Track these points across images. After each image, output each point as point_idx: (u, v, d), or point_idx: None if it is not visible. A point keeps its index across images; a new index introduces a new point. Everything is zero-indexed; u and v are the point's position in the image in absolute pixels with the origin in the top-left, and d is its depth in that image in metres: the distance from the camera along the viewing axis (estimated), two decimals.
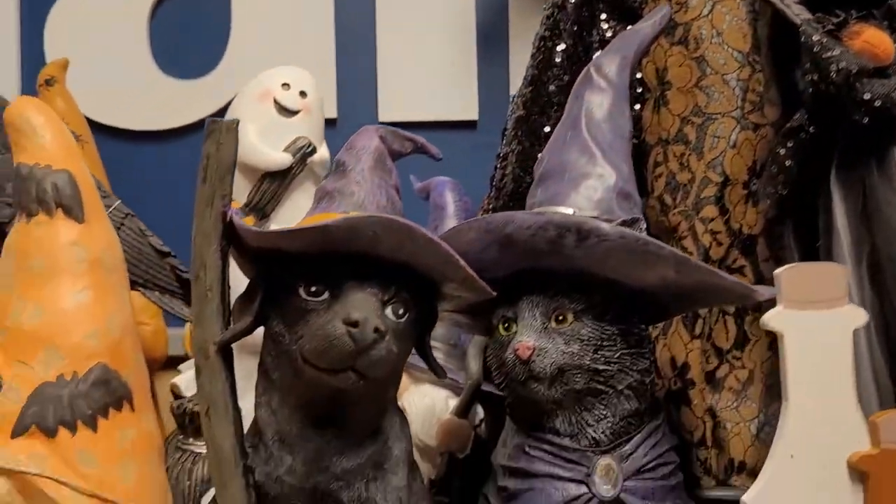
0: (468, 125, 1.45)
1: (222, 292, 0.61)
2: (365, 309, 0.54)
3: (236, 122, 0.61)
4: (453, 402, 0.89)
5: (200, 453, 0.80)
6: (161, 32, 1.47)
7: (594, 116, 0.71)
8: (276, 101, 0.85)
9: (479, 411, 0.90)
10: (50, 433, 0.58)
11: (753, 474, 0.76)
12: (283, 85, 0.86)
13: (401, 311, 0.57)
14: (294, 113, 0.86)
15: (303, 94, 0.87)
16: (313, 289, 0.56)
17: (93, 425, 0.59)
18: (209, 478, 0.81)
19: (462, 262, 0.56)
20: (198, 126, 1.46)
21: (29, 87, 1.41)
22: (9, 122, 0.67)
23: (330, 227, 0.54)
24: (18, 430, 0.58)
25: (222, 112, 1.45)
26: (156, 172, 1.44)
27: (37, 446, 0.57)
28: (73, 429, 0.59)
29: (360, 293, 0.55)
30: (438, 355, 0.91)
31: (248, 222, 1.02)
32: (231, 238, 0.60)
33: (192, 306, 0.60)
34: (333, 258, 0.56)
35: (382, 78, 1.45)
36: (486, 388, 0.86)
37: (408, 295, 0.58)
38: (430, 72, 1.45)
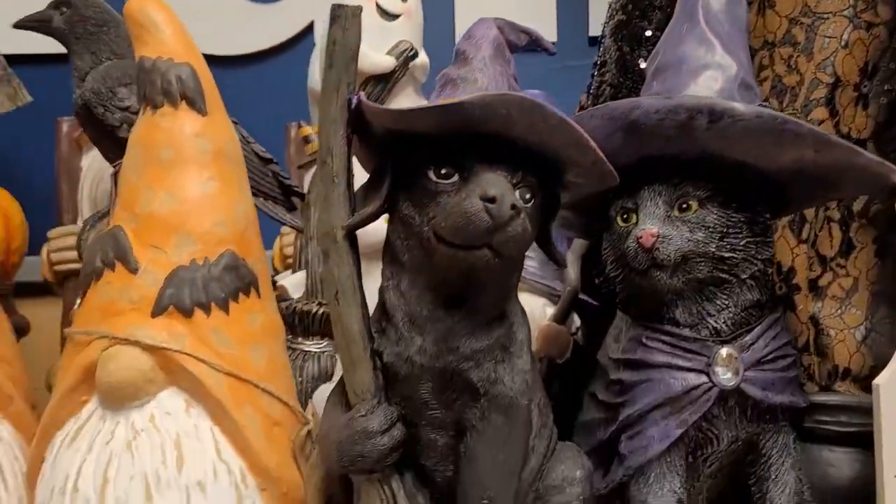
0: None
1: (348, 178, 0.61)
2: (501, 186, 0.54)
3: (360, 8, 0.61)
4: (550, 309, 0.90)
5: (310, 351, 0.82)
6: None
7: (711, 8, 0.69)
8: (377, 5, 0.84)
9: (576, 319, 0.90)
10: (187, 313, 0.60)
11: (858, 380, 0.76)
12: None
13: (528, 196, 0.57)
14: (395, 17, 0.85)
15: None
16: (443, 171, 0.56)
17: (225, 308, 0.61)
18: (319, 374, 0.83)
19: (593, 144, 0.56)
20: (277, 49, 1.46)
21: None
22: (129, 16, 0.68)
23: (465, 105, 0.53)
24: (157, 311, 0.59)
25: (300, 36, 1.47)
26: (237, 96, 1.44)
27: (175, 326, 0.59)
28: (207, 310, 0.60)
29: (491, 174, 0.55)
30: (533, 264, 0.92)
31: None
32: (356, 125, 0.61)
33: (318, 191, 0.61)
34: (462, 140, 0.56)
35: (460, 6, 1.43)
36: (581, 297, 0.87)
37: (534, 180, 0.58)
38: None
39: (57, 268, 1.02)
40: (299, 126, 1.06)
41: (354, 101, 0.61)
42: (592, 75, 0.94)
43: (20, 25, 0.87)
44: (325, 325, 0.84)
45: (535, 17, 1.42)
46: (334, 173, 0.61)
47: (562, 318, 0.87)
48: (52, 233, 1.04)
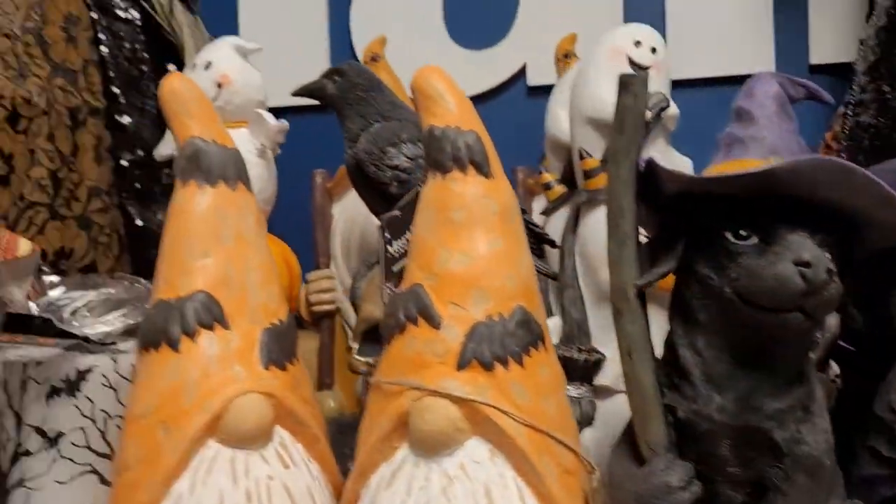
0: None
1: (637, 238, 0.64)
2: (813, 250, 0.54)
3: (647, 75, 0.63)
4: None
5: (572, 397, 0.85)
6: (454, 3, 1.54)
7: None
8: (629, 59, 0.87)
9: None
10: (488, 367, 0.64)
11: None
12: (636, 43, 0.88)
13: (827, 255, 0.57)
14: (646, 69, 0.87)
15: (653, 50, 0.88)
16: (742, 232, 0.58)
17: (520, 361, 0.65)
18: (582, 419, 0.86)
19: None
20: (487, 95, 1.52)
21: (337, 60, 1.54)
22: (416, 87, 0.74)
23: (776, 171, 0.55)
24: (462, 364, 0.64)
25: (512, 80, 1.52)
26: None
27: (478, 379, 0.63)
28: (505, 364, 0.64)
29: (796, 236, 0.56)
30: None
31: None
32: (643, 187, 0.63)
33: (611, 251, 0.64)
34: (762, 202, 0.57)
35: (673, 34, 1.43)
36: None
37: (831, 238, 0.58)
38: (722, 25, 1.41)
39: (314, 308, 1.11)
40: (540, 172, 1.10)
41: (643, 164, 0.63)
42: (845, 114, 0.92)
43: (298, 94, 0.96)
44: (586, 371, 0.87)
45: (753, 45, 1.39)
46: (625, 234, 0.63)
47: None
48: (310, 276, 1.13)
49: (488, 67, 1.51)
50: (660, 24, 1.44)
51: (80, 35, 1.19)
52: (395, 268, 0.85)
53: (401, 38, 1.49)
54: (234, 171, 0.76)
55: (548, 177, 1.05)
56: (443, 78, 0.74)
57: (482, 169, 0.70)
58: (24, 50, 1.11)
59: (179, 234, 0.75)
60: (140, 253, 1.23)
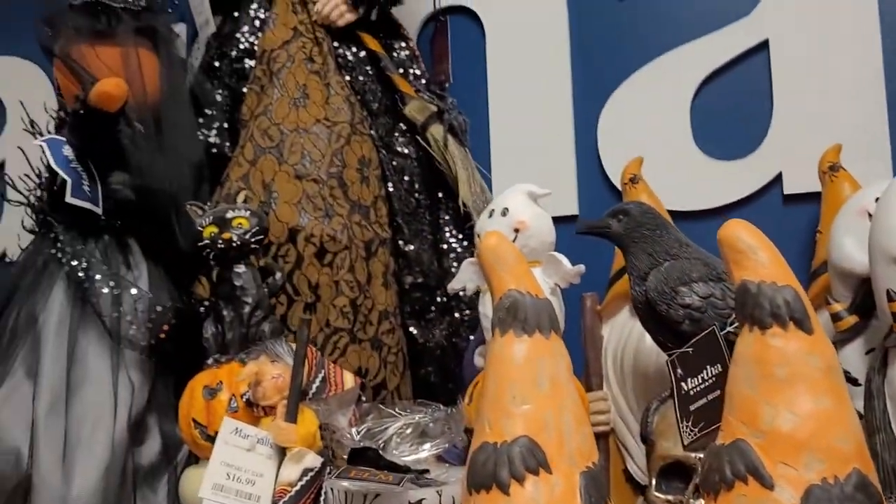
0: None
1: None
2: None
3: None
4: None
5: None
6: (702, 114, 1.56)
7: None
8: (869, 215, 0.87)
9: None
10: None
11: None
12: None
13: None
14: None
15: None
16: None
17: None
18: None
19: None
20: (740, 204, 1.51)
21: (585, 177, 1.61)
22: (724, 241, 0.77)
23: None
24: None
25: (767, 188, 1.50)
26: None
27: None
28: None
29: None
30: None
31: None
32: None
33: None
34: None
35: None
36: None
37: None
38: None
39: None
40: (827, 302, 1.08)
41: None
42: None
43: (583, 231, 1.02)
44: None
45: None
46: None
47: None
48: (587, 396, 1.17)
49: (742, 177, 1.51)
50: None
51: (371, 174, 1.33)
52: (693, 407, 0.87)
53: (648, 152, 1.53)
54: (547, 321, 0.82)
55: (837, 307, 1.03)
56: (751, 231, 0.77)
57: (803, 325, 0.71)
58: (329, 192, 1.26)
59: (500, 380, 0.81)
60: (420, 369, 1.33)
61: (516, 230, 1.04)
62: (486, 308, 1.04)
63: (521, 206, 1.06)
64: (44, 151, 1.07)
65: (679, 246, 0.97)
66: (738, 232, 0.77)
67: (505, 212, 1.06)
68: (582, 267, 1.03)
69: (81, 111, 1.05)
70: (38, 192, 1.17)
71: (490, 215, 1.08)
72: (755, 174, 1.50)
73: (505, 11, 1.69)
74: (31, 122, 1.71)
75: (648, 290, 0.95)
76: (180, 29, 1.85)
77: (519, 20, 1.68)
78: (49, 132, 1.69)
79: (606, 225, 1.01)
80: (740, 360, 0.74)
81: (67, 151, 1.09)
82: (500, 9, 1.70)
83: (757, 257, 0.76)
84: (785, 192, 1.48)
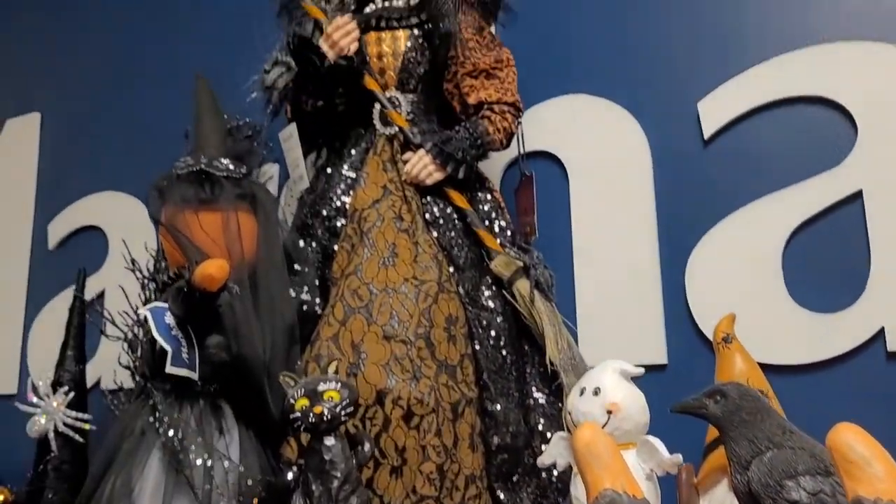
0: None
1: None
2: None
3: None
4: None
5: None
6: (796, 264, 1.52)
7: None
8: None
9: None
10: None
11: None
12: None
13: None
14: None
15: None
16: None
17: None
18: None
19: None
20: (839, 360, 1.45)
21: (673, 325, 1.57)
22: (835, 448, 0.73)
23: None
24: None
25: (868, 344, 1.44)
26: (800, 405, 1.45)
27: None
28: None
29: None
30: None
31: None
32: None
33: None
34: None
35: None
36: None
37: None
38: None
39: None
40: None
41: None
42: None
43: (678, 411, 0.99)
44: None
45: None
46: None
47: None
48: None
49: (841, 331, 1.45)
50: None
51: (458, 332, 1.34)
52: None
53: (738, 302, 1.49)
54: None
55: None
56: (864, 440, 0.73)
57: None
58: (417, 354, 1.27)
59: None
60: None
61: (609, 412, 1.02)
62: (577, 491, 1.01)
63: (613, 385, 1.04)
64: (146, 321, 1.12)
65: (782, 433, 0.93)
66: (850, 440, 0.73)
67: (597, 391, 1.04)
68: (679, 457, 1.00)
69: (185, 288, 1.10)
70: (138, 356, 1.21)
71: (581, 393, 1.06)
72: (855, 328, 1.45)
73: (588, 157, 1.72)
74: (133, 261, 1.81)
75: (751, 482, 0.90)
76: (274, 170, 1.95)
77: (602, 165, 1.70)
78: (148, 270, 1.79)
79: (703, 405, 0.98)
80: None
81: (169, 319, 1.14)
82: (584, 154, 1.72)
83: (872, 470, 0.72)
84: (889, 349, 1.42)
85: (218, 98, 1.49)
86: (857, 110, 1.51)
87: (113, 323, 1.76)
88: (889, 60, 1.50)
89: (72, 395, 1.54)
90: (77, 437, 1.50)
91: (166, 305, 1.15)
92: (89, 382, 1.74)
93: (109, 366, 1.84)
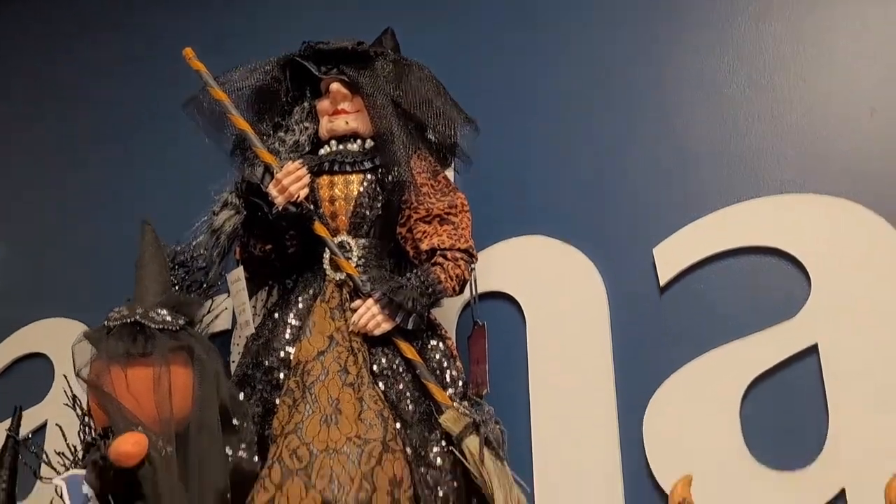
0: None
1: None
2: None
3: None
4: None
5: None
6: (753, 417, 1.47)
7: None
8: None
9: None
10: None
11: None
12: None
13: None
14: None
15: None
16: None
17: None
18: None
19: None
20: None
21: (631, 481, 1.50)
22: None
23: None
24: None
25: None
26: None
27: None
28: None
29: None
30: None
31: None
32: None
33: None
34: None
35: None
36: None
37: None
38: None
39: None
40: None
41: None
42: None
43: None
44: None
45: None
46: None
47: None
48: None
49: (801, 491, 1.39)
50: None
51: (402, 496, 1.26)
52: None
53: (696, 455, 1.44)
54: None
55: None
56: None
57: None
58: None
59: None
60: None
61: None
62: None
63: None
64: (61, 494, 1.04)
65: None
66: None
67: None
68: None
69: (100, 462, 1.03)
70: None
71: None
72: (815, 489, 1.39)
73: (545, 299, 1.68)
74: (74, 398, 1.72)
75: None
76: (228, 303, 1.89)
77: (559, 308, 1.66)
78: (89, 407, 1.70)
79: None
80: None
81: (86, 489, 1.06)
82: (541, 296, 1.69)
83: None
84: None
85: (164, 244, 1.46)
86: (811, 263, 1.50)
87: (49, 465, 1.67)
88: (842, 215, 1.50)
89: None
90: None
91: (82, 474, 1.07)
92: None
93: None
